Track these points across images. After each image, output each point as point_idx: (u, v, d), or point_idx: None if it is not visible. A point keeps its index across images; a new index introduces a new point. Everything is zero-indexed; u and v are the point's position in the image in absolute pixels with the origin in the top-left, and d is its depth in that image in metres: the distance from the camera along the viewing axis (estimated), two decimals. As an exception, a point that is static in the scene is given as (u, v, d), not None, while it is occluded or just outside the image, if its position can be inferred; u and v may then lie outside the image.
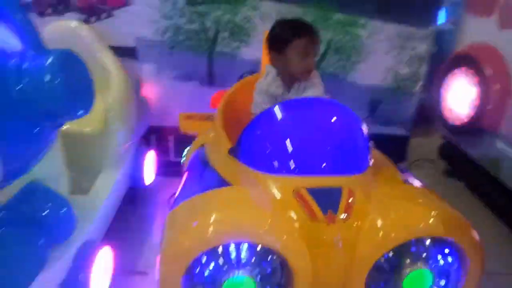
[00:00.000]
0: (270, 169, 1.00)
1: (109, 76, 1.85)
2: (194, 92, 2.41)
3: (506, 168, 1.98)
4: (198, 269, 0.85)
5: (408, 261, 0.91)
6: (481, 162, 2.16)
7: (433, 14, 2.36)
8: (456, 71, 2.30)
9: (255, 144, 1.08)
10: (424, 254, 0.92)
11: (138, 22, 2.25)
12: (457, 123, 2.25)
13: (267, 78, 1.42)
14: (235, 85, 1.65)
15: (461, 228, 0.92)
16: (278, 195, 0.94)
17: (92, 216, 1.48)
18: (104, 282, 1.44)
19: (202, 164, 1.27)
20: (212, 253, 0.85)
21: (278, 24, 1.44)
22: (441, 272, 0.93)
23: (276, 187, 0.96)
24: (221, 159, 1.19)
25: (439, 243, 0.93)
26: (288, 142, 1.03)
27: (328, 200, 0.92)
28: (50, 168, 1.38)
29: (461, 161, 2.36)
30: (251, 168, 1.04)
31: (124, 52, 2.23)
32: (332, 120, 1.11)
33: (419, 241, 0.92)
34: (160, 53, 2.34)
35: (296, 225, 0.89)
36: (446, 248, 0.93)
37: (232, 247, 0.85)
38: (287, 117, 1.10)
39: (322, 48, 2.37)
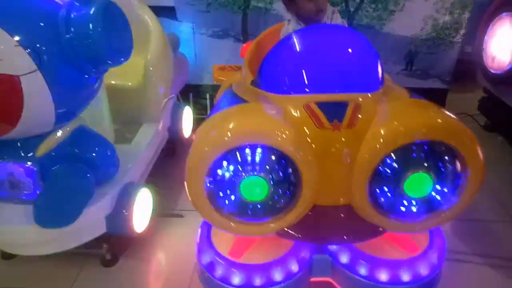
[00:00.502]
0: (284, 91, 1.09)
1: (148, 34, 1.95)
2: (229, 49, 2.47)
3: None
4: (218, 171, 0.97)
5: (408, 165, 0.94)
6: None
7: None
8: (503, 15, 2.14)
9: (270, 70, 1.17)
10: (425, 160, 0.94)
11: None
12: (499, 72, 2.13)
13: (290, 25, 1.49)
14: (263, 32, 1.72)
15: (464, 138, 0.93)
16: (289, 108, 1.03)
17: (134, 162, 1.64)
18: (144, 220, 1.60)
19: (228, 95, 1.38)
20: (230, 157, 0.95)
21: None
22: (441, 179, 0.96)
23: (288, 103, 1.05)
24: (244, 89, 1.30)
25: (441, 150, 0.95)
26: (299, 64, 1.11)
27: (335, 112, 0.99)
28: (97, 119, 1.54)
29: (502, 115, 2.25)
30: (266, 90, 1.14)
31: (164, 12, 2.33)
32: (342, 43, 1.15)
33: (420, 146, 0.94)
34: (197, 11, 2.40)
35: (304, 131, 0.98)
36: (448, 155, 0.95)
37: (247, 151, 0.95)
38: (299, 43, 1.16)
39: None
